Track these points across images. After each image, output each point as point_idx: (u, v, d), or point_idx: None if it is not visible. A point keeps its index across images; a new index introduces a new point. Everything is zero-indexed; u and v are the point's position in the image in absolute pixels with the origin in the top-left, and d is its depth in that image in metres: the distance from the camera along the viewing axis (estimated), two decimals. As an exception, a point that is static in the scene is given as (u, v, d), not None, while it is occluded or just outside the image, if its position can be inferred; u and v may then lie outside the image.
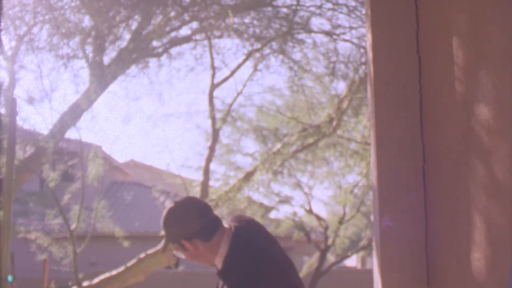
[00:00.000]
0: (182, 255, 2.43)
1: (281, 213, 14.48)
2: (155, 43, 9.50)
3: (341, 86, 14.93)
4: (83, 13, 8.77)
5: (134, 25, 9.14)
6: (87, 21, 9.01)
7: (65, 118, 9.35)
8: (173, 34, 9.53)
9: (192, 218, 2.43)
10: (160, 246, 9.52)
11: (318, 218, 13.99)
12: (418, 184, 2.44)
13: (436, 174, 2.39)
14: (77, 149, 11.24)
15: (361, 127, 10.13)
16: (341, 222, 13.45)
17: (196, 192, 10.28)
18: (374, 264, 2.50)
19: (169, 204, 2.50)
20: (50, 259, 10.11)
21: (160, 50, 9.71)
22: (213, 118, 10.07)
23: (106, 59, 9.26)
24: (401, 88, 2.49)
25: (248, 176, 10.34)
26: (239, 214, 2.80)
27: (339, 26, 9.17)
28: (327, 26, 9.30)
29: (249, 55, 9.99)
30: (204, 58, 10.59)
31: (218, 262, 2.44)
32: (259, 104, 11.37)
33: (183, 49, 10.15)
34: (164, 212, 2.49)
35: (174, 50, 9.97)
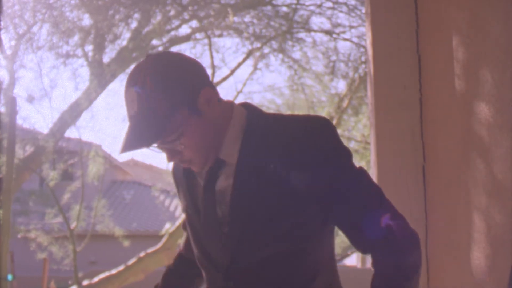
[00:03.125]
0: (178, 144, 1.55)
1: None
2: (155, 42, 9.50)
3: (341, 85, 14.93)
4: (83, 11, 8.76)
5: (133, 24, 9.14)
6: (86, 20, 9.01)
7: (65, 117, 9.35)
8: (173, 33, 9.52)
9: (190, 62, 1.58)
10: (160, 245, 9.52)
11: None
12: (417, 183, 2.43)
13: (436, 174, 2.39)
14: (77, 148, 11.23)
15: (361, 126, 10.13)
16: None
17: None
18: (374, 263, 2.49)
19: (146, 61, 1.57)
20: (50, 258, 10.11)
21: (160, 48, 9.71)
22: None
23: (106, 58, 9.26)
24: (401, 87, 2.49)
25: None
26: None
27: (339, 25, 9.17)
28: (327, 25, 9.32)
29: (249, 54, 9.99)
30: (204, 57, 10.60)
31: (230, 146, 1.59)
32: (259, 103, 11.37)
33: (183, 48, 10.15)
34: (149, 69, 1.53)
35: (174, 49, 9.97)
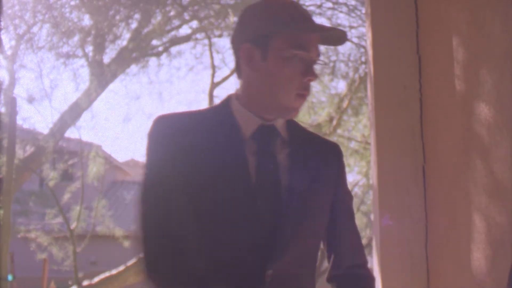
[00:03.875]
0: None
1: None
2: (155, 42, 9.51)
3: (341, 85, 14.92)
4: (83, 12, 8.77)
5: (134, 24, 9.15)
6: (87, 20, 9.02)
7: (65, 117, 9.35)
8: (173, 33, 9.53)
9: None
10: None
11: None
12: (418, 184, 2.43)
13: (436, 174, 2.39)
14: (77, 148, 11.24)
15: (361, 126, 10.14)
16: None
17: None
18: (374, 263, 2.49)
19: None
20: (50, 258, 10.11)
21: (160, 49, 9.72)
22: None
23: (106, 58, 9.27)
24: (401, 87, 2.49)
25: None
26: None
27: (339, 25, 9.17)
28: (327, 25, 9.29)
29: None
30: (204, 57, 10.62)
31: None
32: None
33: (183, 48, 10.19)
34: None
35: (174, 49, 9.98)
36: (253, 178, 1.49)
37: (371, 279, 1.68)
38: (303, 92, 1.52)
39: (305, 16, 1.55)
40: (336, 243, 1.65)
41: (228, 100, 1.60)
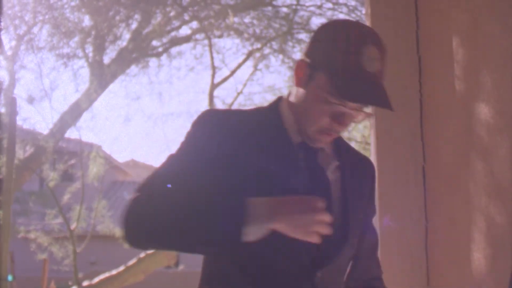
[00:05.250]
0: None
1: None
2: (155, 43, 9.52)
3: (341, 86, 14.89)
4: (83, 12, 8.77)
5: (134, 25, 9.15)
6: (87, 21, 9.02)
7: (65, 118, 9.36)
8: (173, 33, 9.54)
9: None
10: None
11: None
12: (418, 184, 2.43)
13: (436, 174, 2.39)
14: (77, 148, 11.24)
15: (361, 126, 10.13)
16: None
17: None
18: (374, 264, 2.50)
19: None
20: (50, 258, 10.11)
21: (160, 49, 9.72)
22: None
23: (106, 59, 9.27)
24: (401, 87, 2.49)
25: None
26: None
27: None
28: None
29: (249, 55, 9.99)
30: (204, 58, 10.61)
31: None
32: (259, 103, 11.37)
33: (183, 49, 10.19)
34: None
35: (174, 50, 9.99)
36: (305, 179, 1.48)
37: None
38: (328, 132, 1.49)
39: (365, 73, 1.43)
40: (357, 256, 1.65)
41: (277, 102, 1.58)
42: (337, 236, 1.48)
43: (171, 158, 1.48)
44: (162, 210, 1.37)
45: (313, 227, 1.33)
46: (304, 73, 1.48)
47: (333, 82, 1.42)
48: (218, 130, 1.47)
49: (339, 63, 1.42)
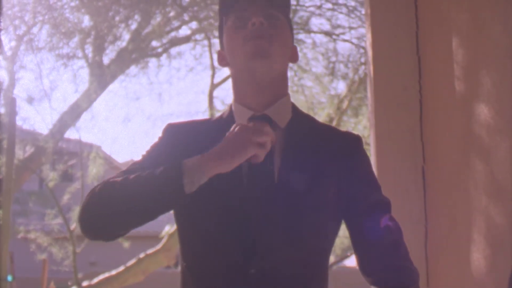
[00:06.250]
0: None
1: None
2: (154, 43, 9.51)
3: (341, 86, 14.94)
4: (83, 13, 8.77)
5: (133, 25, 9.14)
6: (86, 21, 9.02)
7: (65, 118, 9.36)
8: (172, 34, 9.53)
9: None
10: (160, 246, 9.51)
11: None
12: (417, 184, 2.43)
13: (436, 174, 2.39)
14: (77, 149, 11.24)
15: (361, 127, 10.12)
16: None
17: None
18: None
19: None
20: (50, 259, 10.11)
21: (159, 50, 9.71)
22: (213, 118, 10.05)
23: (106, 59, 9.27)
24: (401, 88, 2.49)
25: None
26: None
27: (338, 26, 9.17)
28: (326, 26, 9.30)
29: (249, 55, 9.96)
30: (203, 58, 10.62)
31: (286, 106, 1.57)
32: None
33: (182, 49, 10.20)
34: None
35: (173, 50, 9.98)
36: (244, 169, 1.46)
37: (411, 272, 1.50)
38: (250, 35, 1.50)
39: None
40: (360, 243, 1.52)
41: (231, 103, 1.61)
42: (279, 229, 1.43)
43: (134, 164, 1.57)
44: (111, 189, 1.42)
45: (250, 137, 1.36)
46: (221, 53, 1.62)
47: (222, 13, 1.58)
48: (171, 140, 1.56)
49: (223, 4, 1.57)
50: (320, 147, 1.53)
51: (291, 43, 1.64)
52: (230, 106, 1.60)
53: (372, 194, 1.56)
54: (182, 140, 1.54)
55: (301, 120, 1.57)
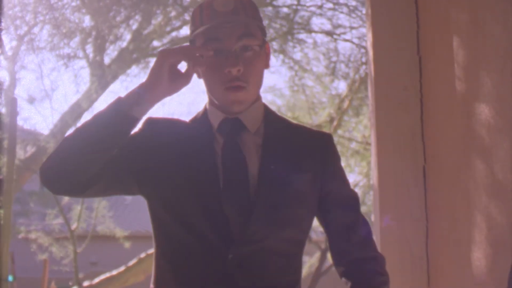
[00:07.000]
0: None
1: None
2: (155, 43, 9.51)
3: (341, 86, 14.93)
4: (84, 13, 8.77)
5: (134, 25, 9.14)
6: (87, 21, 9.02)
7: (66, 118, 9.35)
8: (173, 34, 9.53)
9: None
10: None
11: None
12: (418, 184, 2.44)
13: (436, 175, 2.40)
14: (78, 149, 11.21)
15: (362, 127, 10.13)
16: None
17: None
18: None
19: None
20: (51, 259, 10.11)
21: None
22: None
23: (107, 59, 9.26)
24: (401, 88, 2.49)
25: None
26: None
27: (339, 26, 9.17)
28: (327, 26, 9.31)
29: (249, 55, 9.95)
30: (204, 58, 10.56)
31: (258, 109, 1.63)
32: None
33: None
34: None
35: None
36: (219, 169, 1.53)
37: (376, 274, 1.59)
38: (230, 85, 1.54)
39: (218, 13, 1.54)
40: (331, 238, 1.62)
41: (205, 105, 1.67)
42: (257, 216, 1.49)
43: None
44: (63, 140, 1.55)
45: (164, 54, 1.49)
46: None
47: (197, 37, 1.57)
48: (148, 133, 1.61)
49: (197, 23, 1.57)
50: (295, 145, 1.61)
51: (265, 65, 1.65)
52: (205, 107, 1.66)
53: (343, 189, 1.65)
54: (158, 134, 1.60)
55: (274, 121, 1.65)
